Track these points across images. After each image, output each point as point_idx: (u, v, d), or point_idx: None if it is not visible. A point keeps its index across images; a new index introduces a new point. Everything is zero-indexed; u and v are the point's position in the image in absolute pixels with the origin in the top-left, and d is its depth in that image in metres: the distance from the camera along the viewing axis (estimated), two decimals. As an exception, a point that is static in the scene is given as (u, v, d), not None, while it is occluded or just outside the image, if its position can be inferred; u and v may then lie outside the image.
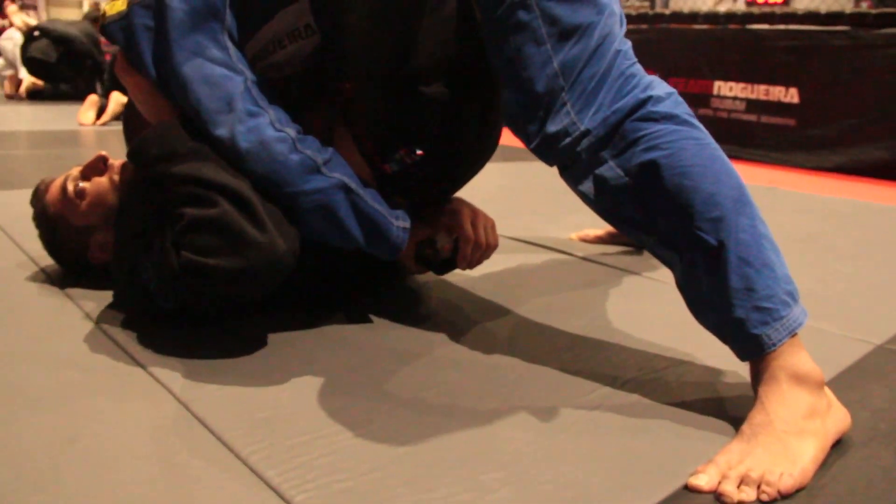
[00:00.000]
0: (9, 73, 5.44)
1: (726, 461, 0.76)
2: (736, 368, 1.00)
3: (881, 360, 1.10)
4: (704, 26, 3.67)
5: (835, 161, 3.20)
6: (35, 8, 9.63)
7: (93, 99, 3.93)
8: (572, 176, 0.93)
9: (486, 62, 0.99)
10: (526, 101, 0.92)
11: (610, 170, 0.90)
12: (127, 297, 1.18)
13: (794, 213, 2.28)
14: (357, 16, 1.03)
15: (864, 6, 4.05)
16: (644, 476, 0.76)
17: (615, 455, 0.80)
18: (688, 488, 0.74)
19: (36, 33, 5.00)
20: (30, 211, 1.29)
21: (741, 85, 3.47)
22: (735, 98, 3.49)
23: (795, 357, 0.83)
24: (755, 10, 4.07)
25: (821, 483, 0.76)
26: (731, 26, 3.59)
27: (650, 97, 0.89)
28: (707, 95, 3.57)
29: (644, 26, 3.88)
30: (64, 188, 1.23)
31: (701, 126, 0.91)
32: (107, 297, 1.21)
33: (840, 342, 1.16)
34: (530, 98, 0.92)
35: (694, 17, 3.75)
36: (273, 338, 1.08)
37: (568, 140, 0.90)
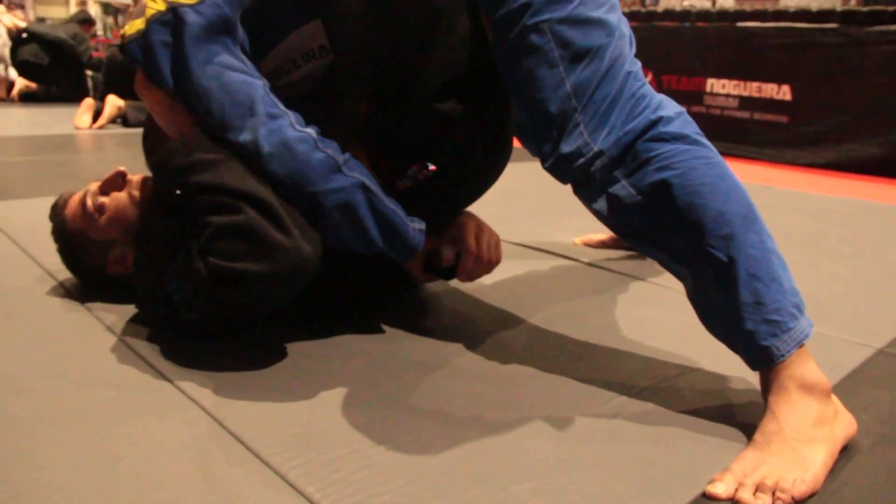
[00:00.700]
0: (-1, 74, 5.42)
1: (741, 469, 0.80)
2: (743, 374, 1.05)
3: (883, 365, 1.15)
4: (697, 24, 3.71)
5: (826, 157, 3.26)
6: (23, 7, 9.56)
7: (88, 102, 3.93)
8: (586, 194, 0.97)
9: (498, 80, 1.03)
10: (539, 122, 0.96)
11: (623, 189, 0.93)
12: (150, 311, 1.20)
13: (790, 212, 2.33)
14: (373, 38, 1.06)
15: (853, 3, 4.10)
16: (664, 484, 0.80)
17: (636, 463, 0.84)
18: (706, 496, 0.78)
19: (24, 35, 4.98)
20: (39, 221, 1.30)
21: (734, 82, 3.52)
22: (728, 95, 3.54)
23: (804, 367, 0.87)
24: (747, 7, 4.11)
25: (831, 488, 0.80)
26: (724, 24, 3.63)
27: (660, 118, 0.93)
28: (700, 93, 3.62)
29: (636, 24, 3.92)
30: (83, 203, 1.25)
31: (709, 144, 0.95)
32: (127, 310, 1.24)
33: (841, 346, 1.21)
34: (544, 119, 0.95)
35: (686, 14, 3.80)
36: (292, 349, 1.11)
37: (582, 160, 0.94)
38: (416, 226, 1.08)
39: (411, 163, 1.08)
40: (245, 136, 0.99)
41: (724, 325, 0.92)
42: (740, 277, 0.88)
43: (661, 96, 0.97)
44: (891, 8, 3.16)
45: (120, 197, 1.26)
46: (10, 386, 0.97)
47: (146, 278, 1.14)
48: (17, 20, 5.70)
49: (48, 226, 1.31)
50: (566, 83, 0.94)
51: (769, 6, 3.97)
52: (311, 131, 1.02)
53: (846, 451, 0.87)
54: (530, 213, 2.15)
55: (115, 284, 1.30)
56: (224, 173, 0.98)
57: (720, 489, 0.78)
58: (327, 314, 1.24)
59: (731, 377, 1.06)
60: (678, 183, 0.90)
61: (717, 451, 0.87)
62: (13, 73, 5.25)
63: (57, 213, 1.31)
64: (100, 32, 9.02)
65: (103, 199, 1.25)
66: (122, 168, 1.28)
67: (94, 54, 5.38)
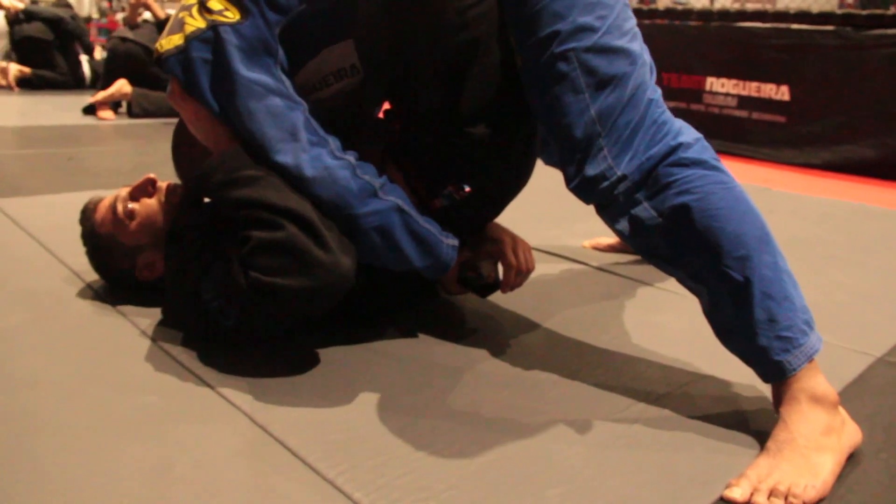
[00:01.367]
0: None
1: (756, 475, 0.87)
2: (753, 382, 1.10)
3: (884, 374, 1.21)
4: (697, 23, 3.75)
5: (823, 158, 3.33)
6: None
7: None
8: (610, 215, 1.03)
9: (526, 104, 1.08)
10: (565, 145, 1.01)
11: (645, 210, 0.99)
12: (183, 318, 1.24)
13: (789, 214, 2.38)
14: (405, 61, 1.10)
15: (847, 4, 4.15)
16: (685, 489, 0.86)
17: (657, 469, 0.90)
18: (723, 500, 0.85)
19: (22, 16, 4.95)
20: (59, 220, 1.33)
21: (733, 81, 3.58)
22: (727, 94, 3.60)
23: (813, 380, 0.94)
24: (748, 7, 4.16)
25: (839, 493, 0.87)
26: (724, 23, 3.68)
27: (680, 144, 0.98)
28: (699, 91, 3.67)
29: (637, 22, 3.95)
30: (114, 208, 1.29)
31: (726, 169, 1.00)
32: (158, 314, 1.28)
33: (842, 355, 1.27)
34: (569, 142, 1.01)
35: (687, 13, 3.84)
36: (325, 355, 1.17)
37: (606, 184, 0.99)
38: (449, 241, 1.14)
39: (447, 184, 1.13)
40: (287, 159, 1.03)
41: (739, 340, 0.98)
42: (755, 296, 0.94)
43: (680, 122, 1.02)
44: (890, 11, 3.22)
45: (150, 203, 1.30)
46: (57, 392, 1.02)
47: (181, 286, 1.18)
48: (15, 1, 5.66)
49: (70, 224, 1.34)
50: (591, 109, 0.99)
51: (769, 7, 4.02)
52: (350, 158, 1.07)
53: (852, 458, 0.93)
54: (537, 217, 2.19)
55: (143, 287, 1.34)
56: (265, 189, 1.02)
57: (737, 493, 0.84)
58: (357, 321, 1.29)
59: (742, 384, 1.12)
60: (697, 207, 0.95)
61: (730, 457, 0.93)
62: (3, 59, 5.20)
63: (87, 217, 1.34)
64: (95, 16, 8.95)
65: (133, 206, 1.29)
66: (152, 175, 1.32)
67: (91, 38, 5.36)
